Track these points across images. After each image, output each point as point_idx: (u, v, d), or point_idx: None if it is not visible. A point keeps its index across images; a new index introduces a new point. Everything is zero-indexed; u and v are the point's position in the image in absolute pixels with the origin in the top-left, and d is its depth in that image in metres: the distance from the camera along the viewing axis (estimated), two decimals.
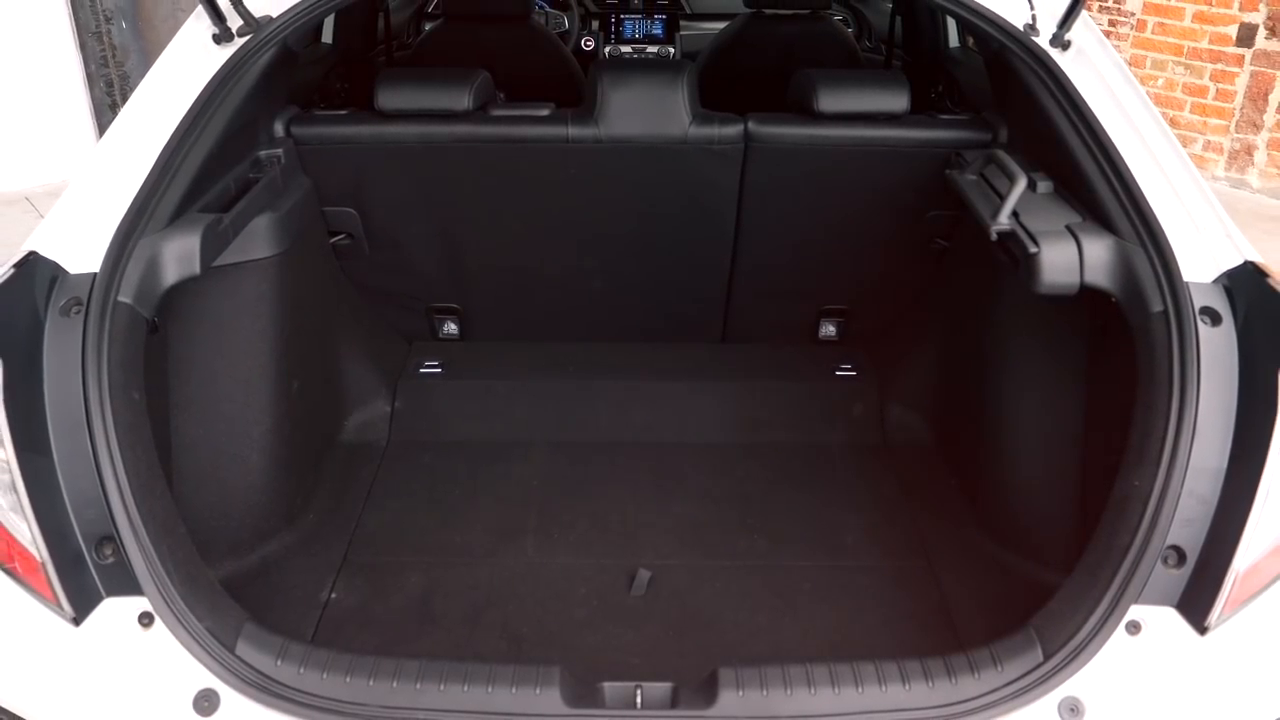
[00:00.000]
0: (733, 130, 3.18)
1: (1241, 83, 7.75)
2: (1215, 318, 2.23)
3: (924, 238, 3.44)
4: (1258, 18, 7.53)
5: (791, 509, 3.19)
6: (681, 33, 5.41)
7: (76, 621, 2.03)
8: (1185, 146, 2.66)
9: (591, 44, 5.33)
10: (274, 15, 2.74)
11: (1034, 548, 2.82)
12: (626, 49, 5.34)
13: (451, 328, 3.83)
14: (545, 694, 2.02)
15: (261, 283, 2.87)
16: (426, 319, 3.81)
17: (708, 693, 2.04)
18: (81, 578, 2.05)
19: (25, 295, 2.19)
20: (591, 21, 5.44)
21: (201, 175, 2.56)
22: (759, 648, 2.67)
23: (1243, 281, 2.27)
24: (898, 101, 3.15)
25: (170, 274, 2.40)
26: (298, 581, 2.87)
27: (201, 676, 2.01)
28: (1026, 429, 2.92)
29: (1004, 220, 2.58)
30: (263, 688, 2.01)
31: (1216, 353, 2.19)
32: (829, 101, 3.12)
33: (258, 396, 2.90)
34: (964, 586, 2.86)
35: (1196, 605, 2.05)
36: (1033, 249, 2.46)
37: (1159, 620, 2.06)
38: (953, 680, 2.04)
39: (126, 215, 2.36)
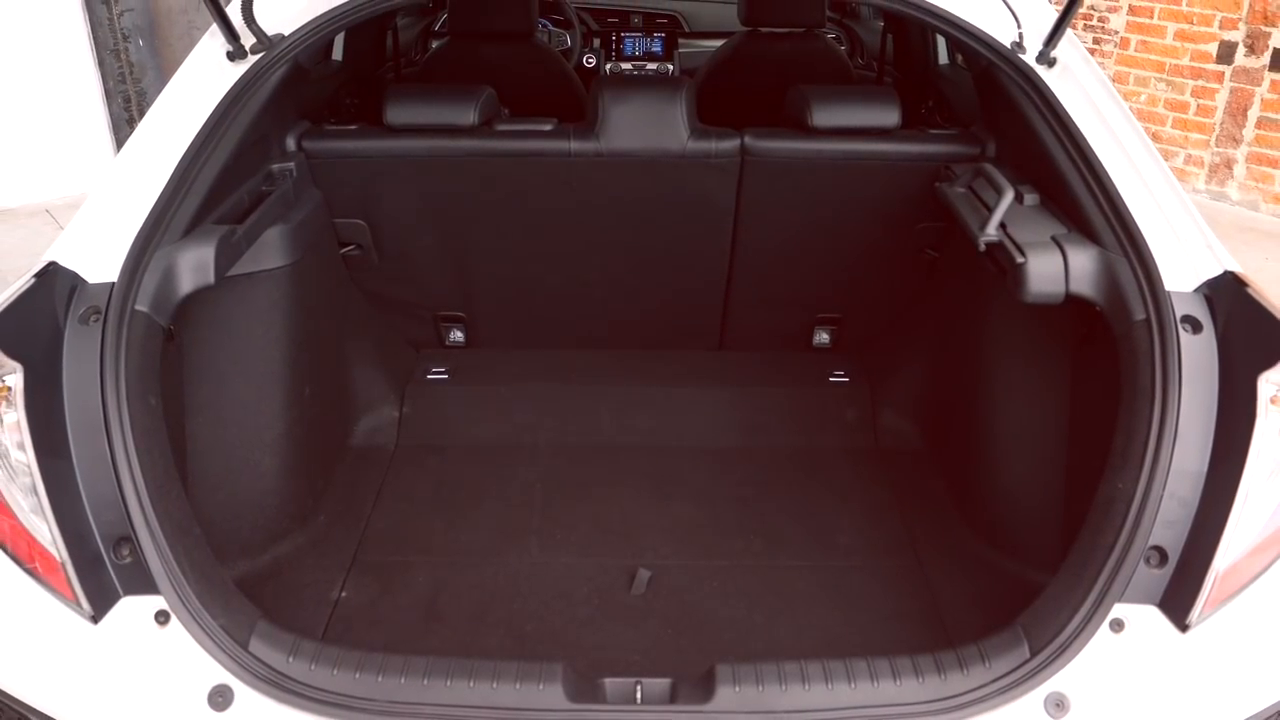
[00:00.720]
0: (729, 144, 3.19)
1: (1221, 98, 7.76)
2: (1196, 326, 2.23)
3: (914, 248, 3.45)
4: (1237, 36, 7.54)
5: (787, 510, 3.19)
6: (680, 50, 5.41)
7: (95, 619, 2.03)
8: (1167, 160, 2.66)
9: (593, 61, 5.32)
10: (286, 33, 2.75)
11: (1021, 548, 2.82)
12: (627, 66, 5.34)
13: (458, 335, 3.83)
14: (548, 690, 2.03)
15: (274, 292, 2.88)
16: (433, 327, 3.81)
17: (705, 688, 2.05)
18: (100, 577, 2.05)
19: (46, 304, 2.20)
20: (593, 39, 5.43)
21: (216, 188, 2.57)
22: (755, 645, 2.67)
23: (1223, 290, 2.27)
24: (889, 117, 3.16)
25: (186, 283, 2.41)
26: (309, 581, 2.87)
27: (216, 673, 2.01)
28: (1014, 433, 2.92)
29: (992, 231, 2.59)
30: (275, 683, 2.01)
31: (1197, 359, 2.19)
32: (823, 117, 3.13)
33: (270, 402, 2.90)
34: (953, 585, 2.87)
35: (1178, 604, 2.05)
36: (1020, 259, 2.47)
37: (1142, 618, 2.07)
38: (942, 676, 2.04)
39: (143, 227, 2.36)
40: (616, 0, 5.77)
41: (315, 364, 3.09)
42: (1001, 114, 2.96)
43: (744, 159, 3.20)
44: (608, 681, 2.09)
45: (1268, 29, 7.37)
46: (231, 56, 2.70)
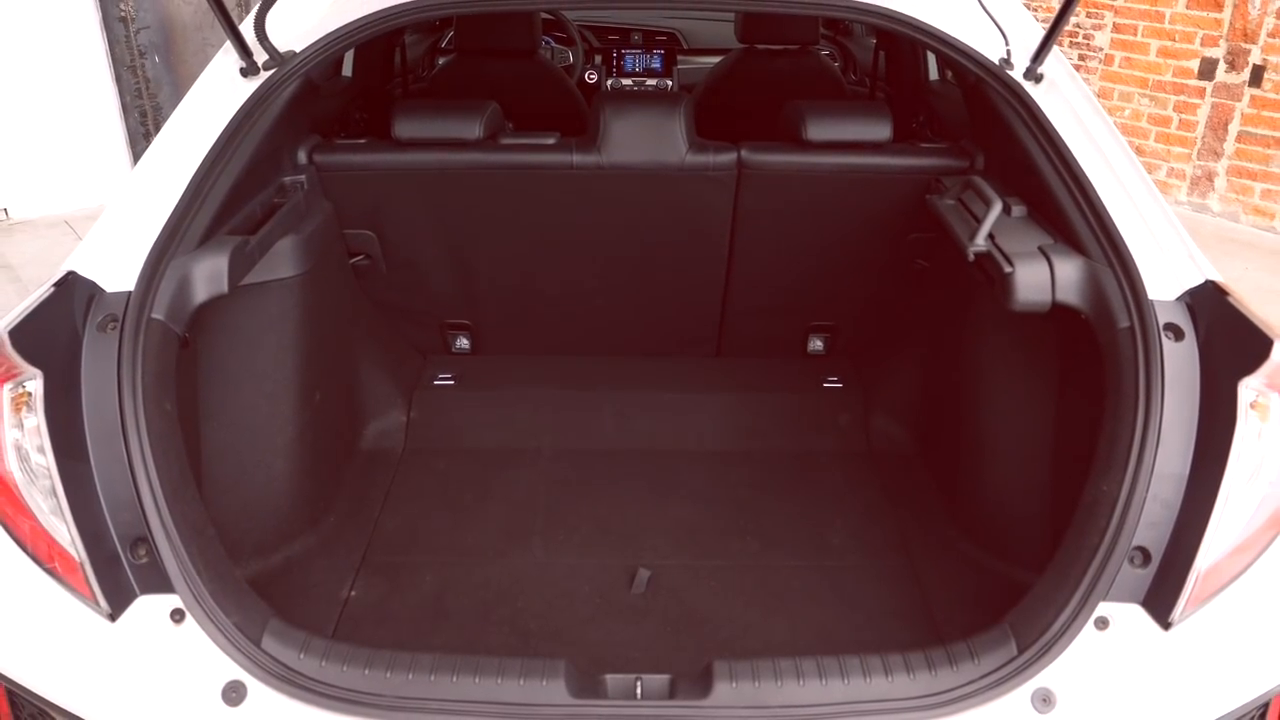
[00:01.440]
0: (726, 158, 3.19)
1: (1203, 113, 7.76)
2: (1178, 333, 2.23)
3: (906, 258, 3.45)
4: (1218, 53, 7.55)
5: (782, 512, 3.19)
6: (679, 66, 5.42)
7: (112, 618, 2.03)
8: (1150, 173, 2.66)
9: (594, 77, 5.34)
10: (298, 50, 2.75)
11: (1009, 548, 2.82)
12: (627, 82, 5.35)
13: (463, 342, 3.83)
14: (551, 686, 2.03)
15: (285, 300, 2.88)
16: (440, 334, 3.82)
17: (703, 684, 2.05)
18: (117, 576, 2.05)
19: (64, 312, 2.20)
20: (594, 56, 5.44)
21: (229, 200, 2.57)
22: (751, 642, 2.67)
23: (1204, 299, 2.28)
24: (881, 131, 3.16)
25: (200, 292, 2.41)
26: (319, 580, 2.87)
27: (229, 669, 2.01)
28: (1002, 437, 2.92)
29: (981, 242, 2.59)
30: (287, 679, 2.02)
31: (1179, 366, 2.20)
32: (817, 131, 3.13)
33: (282, 407, 2.90)
34: (943, 585, 2.87)
35: (1161, 602, 2.05)
36: (1007, 269, 2.47)
37: (1126, 616, 2.07)
38: (932, 672, 2.04)
39: (159, 237, 2.37)
40: (617, 18, 5.77)
41: (325, 370, 3.10)
42: (990, 128, 2.96)
43: (741, 172, 3.21)
44: (609, 678, 2.09)
45: (1248, 46, 7.38)
46: (245, 73, 2.70)
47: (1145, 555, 2.09)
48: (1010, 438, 2.90)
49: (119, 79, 7.64)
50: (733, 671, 2.05)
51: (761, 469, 3.41)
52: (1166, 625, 2.04)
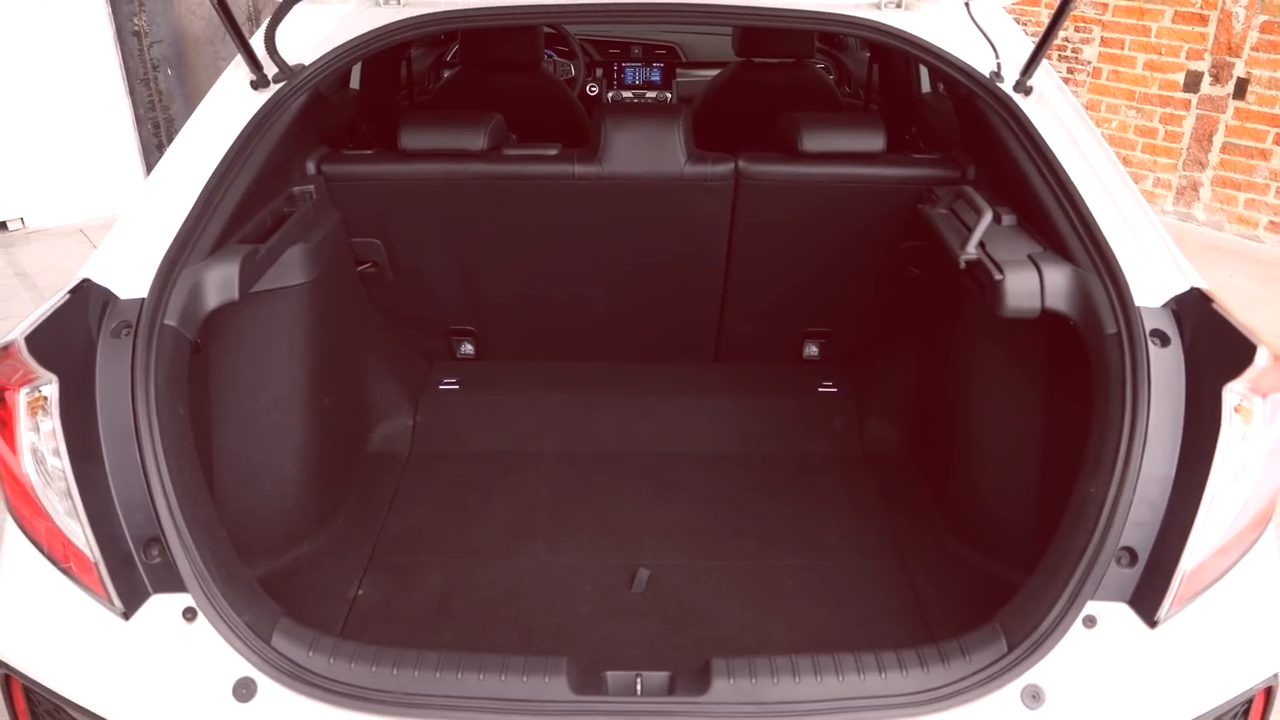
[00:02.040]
0: (724, 168, 3.19)
1: (1188, 125, 7.77)
2: (1164, 339, 2.23)
3: (899, 266, 3.45)
4: (1203, 66, 7.56)
5: (778, 514, 3.19)
6: (678, 79, 5.42)
7: (126, 616, 2.04)
8: (1137, 183, 2.66)
9: (596, 89, 5.34)
10: (306, 63, 2.76)
11: (999, 549, 2.82)
12: (627, 94, 5.35)
13: (468, 348, 3.84)
14: (553, 682, 2.03)
15: (295, 307, 2.88)
16: (445, 340, 3.82)
17: (701, 681, 2.05)
18: (131, 576, 2.06)
19: (79, 318, 2.20)
20: (596, 69, 5.44)
21: (240, 209, 2.57)
22: (748, 640, 2.67)
23: (1189, 306, 2.28)
24: (875, 142, 3.16)
25: (212, 299, 2.41)
26: (328, 579, 2.87)
27: (240, 666, 2.02)
28: (992, 440, 2.92)
29: (972, 250, 2.59)
30: (296, 676, 2.02)
31: (1165, 371, 2.20)
32: (812, 142, 3.13)
33: (291, 411, 2.91)
34: (935, 584, 2.87)
35: (1147, 601, 2.05)
36: (998, 276, 2.47)
37: (1113, 615, 2.07)
38: (925, 669, 2.04)
39: (172, 245, 2.37)
40: (617, 32, 5.78)
41: (334, 375, 3.10)
42: (981, 139, 2.96)
43: (738, 182, 3.21)
44: (610, 675, 2.09)
45: (1231, 59, 7.39)
46: (255, 85, 2.71)
47: (1132, 555, 2.10)
48: (1000, 441, 2.90)
49: (132, 91, 7.65)
50: (730, 669, 2.05)
51: (758, 472, 3.41)
52: (1153, 624, 2.04)
